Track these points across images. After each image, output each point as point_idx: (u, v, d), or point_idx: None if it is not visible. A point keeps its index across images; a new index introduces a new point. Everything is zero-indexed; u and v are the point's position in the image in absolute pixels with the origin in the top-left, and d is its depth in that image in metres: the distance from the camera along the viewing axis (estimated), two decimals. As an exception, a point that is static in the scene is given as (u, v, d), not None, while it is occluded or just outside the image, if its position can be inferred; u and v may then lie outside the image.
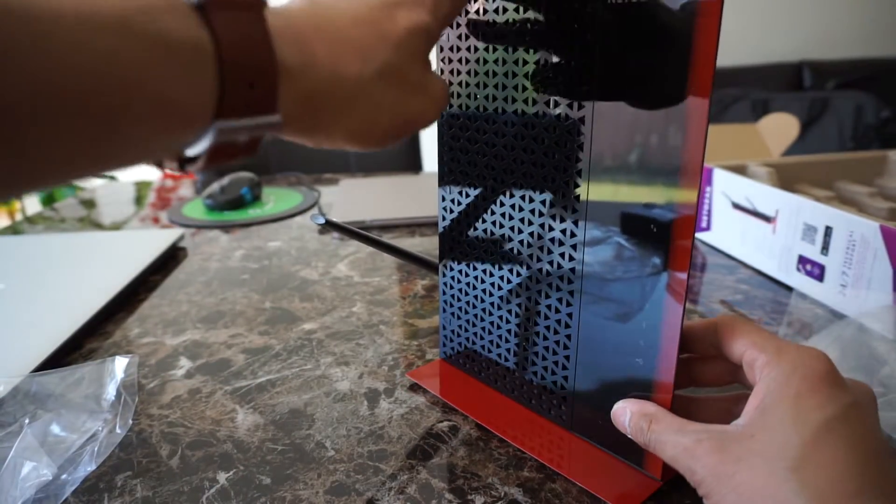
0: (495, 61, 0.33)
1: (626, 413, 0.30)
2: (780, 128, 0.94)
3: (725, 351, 0.30)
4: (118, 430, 0.37)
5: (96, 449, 0.35)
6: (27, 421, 0.35)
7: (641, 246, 0.30)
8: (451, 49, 0.36)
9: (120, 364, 0.39)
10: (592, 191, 0.31)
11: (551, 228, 0.33)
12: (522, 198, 0.34)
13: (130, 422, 0.38)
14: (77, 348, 0.48)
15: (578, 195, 0.31)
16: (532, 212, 0.34)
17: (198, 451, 0.36)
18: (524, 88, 0.32)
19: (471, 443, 0.36)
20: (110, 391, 0.38)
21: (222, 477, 0.34)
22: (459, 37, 0.35)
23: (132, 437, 0.37)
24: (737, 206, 0.62)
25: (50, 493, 0.32)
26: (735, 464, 0.25)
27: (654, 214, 0.29)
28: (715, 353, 0.31)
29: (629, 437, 0.30)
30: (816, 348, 0.27)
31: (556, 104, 0.31)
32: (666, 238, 0.28)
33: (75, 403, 0.38)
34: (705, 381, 0.33)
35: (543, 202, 0.33)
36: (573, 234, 0.32)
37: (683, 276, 0.28)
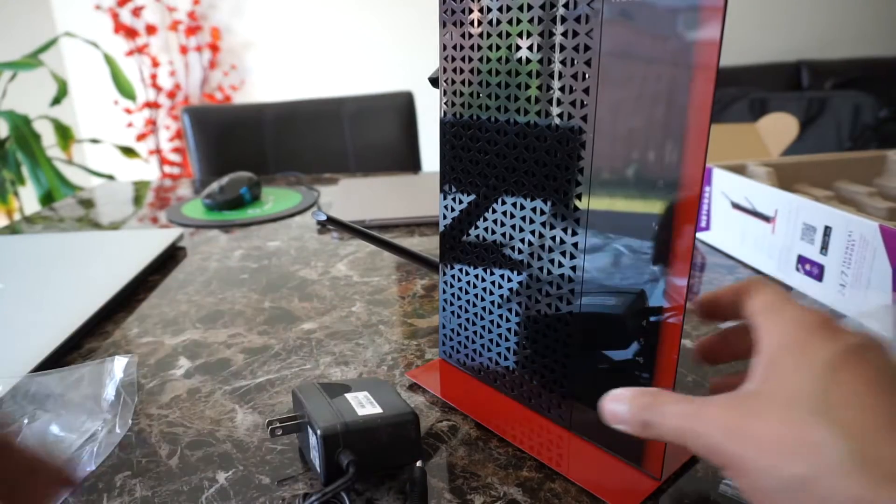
0: (498, 60, 0.33)
1: (623, 396, 0.27)
2: (780, 127, 0.94)
3: (746, 318, 0.28)
4: (117, 430, 0.37)
5: (95, 449, 0.35)
6: (26, 421, 0.35)
7: (641, 251, 0.30)
8: (454, 48, 0.36)
9: (119, 364, 0.39)
10: (593, 195, 0.31)
11: (553, 227, 0.33)
12: (524, 197, 0.34)
13: (130, 422, 0.38)
14: (76, 348, 0.48)
15: (581, 195, 0.31)
16: (534, 209, 0.34)
17: (197, 451, 0.36)
18: (527, 87, 0.32)
19: (470, 442, 0.36)
20: (110, 391, 0.38)
21: (221, 477, 0.34)
22: (463, 35, 0.35)
23: (131, 437, 0.37)
24: (736, 206, 0.62)
25: (49, 493, 0.32)
26: (750, 418, 0.23)
27: (654, 223, 0.29)
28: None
29: (625, 422, 0.27)
30: (815, 307, 0.26)
31: (559, 103, 0.31)
32: (666, 245, 0.28)
33: (74, 403, 0.38)
34: (742, 353, 0.30)
35: (544, 203, 0.33)
36: (574, 233, 0.32)
37: (683, 281, 0.28)
